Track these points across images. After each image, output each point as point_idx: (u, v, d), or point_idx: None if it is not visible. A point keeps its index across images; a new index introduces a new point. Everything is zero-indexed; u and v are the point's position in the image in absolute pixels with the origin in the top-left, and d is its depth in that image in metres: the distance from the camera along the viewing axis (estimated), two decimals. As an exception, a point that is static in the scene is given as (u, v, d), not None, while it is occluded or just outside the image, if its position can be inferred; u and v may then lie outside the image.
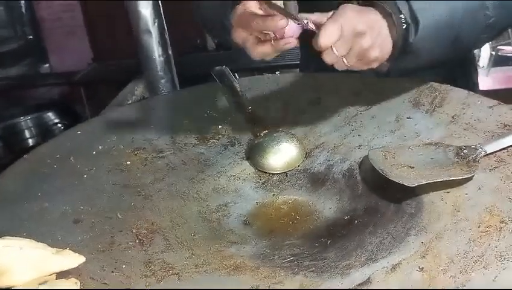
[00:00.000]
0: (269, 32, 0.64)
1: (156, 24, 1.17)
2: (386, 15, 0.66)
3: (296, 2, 0.75)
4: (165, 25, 1.21)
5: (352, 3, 0.67)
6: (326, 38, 0.60)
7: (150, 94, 1.24)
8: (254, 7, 0.64)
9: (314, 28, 0.63)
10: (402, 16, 0.66)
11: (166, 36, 1.21)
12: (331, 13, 0.64)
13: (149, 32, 1.17)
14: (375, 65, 0.66)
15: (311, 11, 0.89)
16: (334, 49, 0.62)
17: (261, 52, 0.65)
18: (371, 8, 0.66)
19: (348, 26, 0.61)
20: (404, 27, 0.66)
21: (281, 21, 0.61)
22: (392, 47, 0.67)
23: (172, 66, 1.23)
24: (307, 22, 0.63)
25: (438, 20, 0.68)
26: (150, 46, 1.18)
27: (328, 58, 0.63)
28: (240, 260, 0.58)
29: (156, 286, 0.54)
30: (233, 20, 0.65)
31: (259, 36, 0.65)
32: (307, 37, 0.64)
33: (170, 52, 1.22)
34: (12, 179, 0.72)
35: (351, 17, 0.62)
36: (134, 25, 1.18)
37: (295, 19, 0.62)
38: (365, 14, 0.64)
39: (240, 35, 0.65)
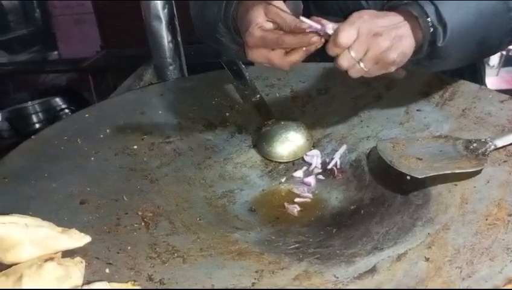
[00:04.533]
0: None
1: (166, 10, 1.16)
2: (411, 18, 0.63)
3: (300, 2, 0.74)
4: (175, 11, 1.20)
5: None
6: (342, 40, 0.58)
7: (158, 80, 1.24)
8: (267, 25, 0.62)
9: (331, 31, 0.60)
10: (429, 19, 0.62)
11: (176, 22, 1.20)
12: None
13: (159, 18, 1.16)
14: (392, 69, 0.63)
15: (316, 10, 0.89)
16: (350, 51, 0.59)
17: (293, 60, 0.62)
18: (391, 12, 0.63)
19: (365, 27, 0.59)
20: (431, 31, 0.63)
21: (314, 38, 0.59)
22: (417, 51, 0.64)
23: (181, 52, 1.23)
24: (324, 27, 0.60)
25: (466, 23, 0.65)
26: (159, 32, 1.18)
27: (343, 61, 0.60)
28: (244, 245, 0.59)
29: (160, 267, 0.54)
30: (251, 42, 0.62)
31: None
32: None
33: (179, 38, 1.22)
34: (20, 159, 0.72)
35: (368, 19, 0.60)
36: (144, 10, 1.17)
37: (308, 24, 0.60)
38: (383, 16, 0.62)
39: (261, 54, 0.62)
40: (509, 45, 0.75)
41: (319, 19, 0.61)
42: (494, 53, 0.96)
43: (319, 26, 0.59)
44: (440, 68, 0.74)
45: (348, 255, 0.55)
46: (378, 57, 0.60)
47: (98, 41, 2.54)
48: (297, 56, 0.62)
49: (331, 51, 0.60)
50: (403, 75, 0.67)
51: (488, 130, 0.70)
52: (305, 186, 0.72)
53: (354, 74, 0.62)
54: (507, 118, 0.72)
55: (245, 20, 0.63)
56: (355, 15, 0.60)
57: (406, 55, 0.63)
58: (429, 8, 0.63)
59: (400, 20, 0.62)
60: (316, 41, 0.60)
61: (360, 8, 0.82)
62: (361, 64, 0.60)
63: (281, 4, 0.63)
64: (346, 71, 0.62)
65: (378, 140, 0.73)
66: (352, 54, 0.59)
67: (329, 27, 0.60)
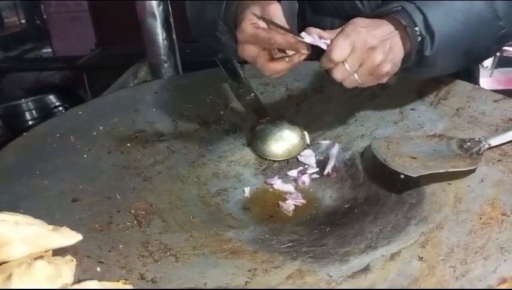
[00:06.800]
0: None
1: (161, 8, 1.16)
2: (400, 27, 0.63)
3: (295, 1, 0.74)
4: (170, 9, 1.19)
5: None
6: (337, 54, 0.58)
7: (153, 78, 1.24)
8: (261, 23, 0.61)
9: (325, 45, 0.59)
10: (417, 28, 0.63)
11: (171, 20, 1.19)
12: (339, 30, 0.61)
13: (154, 15, 1.16)
14: (385, 80, 0.63)
15: (311, 10, 0.88)
16: (345, 64, 0.59)
17: (275, 69, 0.61)
18: (383, 20, 0.63)
19: (360, 40, 0.58)
20: (419, 40, 0.63)
21: (303, 50, 0.59)
22: (405, 59, 0.64)
23: (176, 50, 1.23)
24: (320, 39, 0.59)
25: (454, 32, 0.65)
26: (154, 30, 1.17)
27: (338, 74, 0.60)
28: (238, 244, 0.58)
29: (153, 266, 0.53)
30: (242, 37, 0.61)
31: (271, 52, 0.62)
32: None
33: (174, 36, 1.21)
34: (12, 155, 0.71)
35: (362, 31, 0.59)
36: (139, 8, 1.17)
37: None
38: (377, 27, 0.61)
39: (250, 51, 0.61)
40: (498, 51, 0.76)
41: (314, 32, 0.60)
42: (482, 60, 0.96)
43: (316, 42, 0.59)
44: (429, 75, 0.75)
45: (341, 254, 0.54)
46: (372, 70, 0.60)
47: (93, 39, 2.53)
48: (279, 65, 0.61)
49: (326, 65, 0.60)
50: (394, 82, 0.67)
51: (482, 130, 0.70)
52: (297, 192, 0.71)
53: (348, 84, 0.62)
54: (501, 117, 0.72)
55: (240, 18, 0.63)
56: (349, 27, 0.59)
57: (397, 66, 0.63)
58: (417, 17, 0.63)
59: (392, 30, 0.62)
60: (304, 53, 0.59)
61: (355, 8, 0.82)
62: (356, 76, 0.60)
63: (278, 9, 0.62)
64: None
65: (373, 139, 0.72)
66: (347, 67, 0.59)
67: (323, 42, 0.59)
